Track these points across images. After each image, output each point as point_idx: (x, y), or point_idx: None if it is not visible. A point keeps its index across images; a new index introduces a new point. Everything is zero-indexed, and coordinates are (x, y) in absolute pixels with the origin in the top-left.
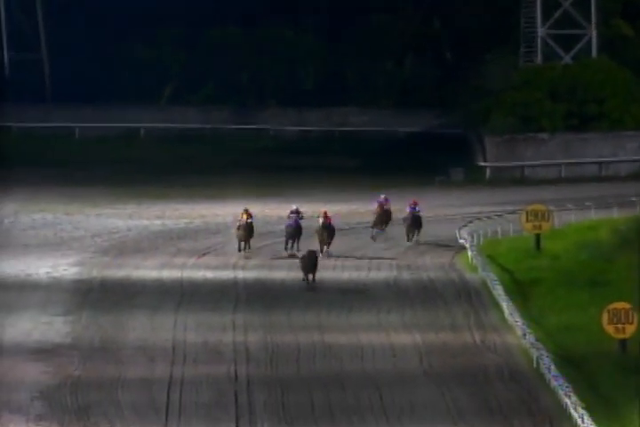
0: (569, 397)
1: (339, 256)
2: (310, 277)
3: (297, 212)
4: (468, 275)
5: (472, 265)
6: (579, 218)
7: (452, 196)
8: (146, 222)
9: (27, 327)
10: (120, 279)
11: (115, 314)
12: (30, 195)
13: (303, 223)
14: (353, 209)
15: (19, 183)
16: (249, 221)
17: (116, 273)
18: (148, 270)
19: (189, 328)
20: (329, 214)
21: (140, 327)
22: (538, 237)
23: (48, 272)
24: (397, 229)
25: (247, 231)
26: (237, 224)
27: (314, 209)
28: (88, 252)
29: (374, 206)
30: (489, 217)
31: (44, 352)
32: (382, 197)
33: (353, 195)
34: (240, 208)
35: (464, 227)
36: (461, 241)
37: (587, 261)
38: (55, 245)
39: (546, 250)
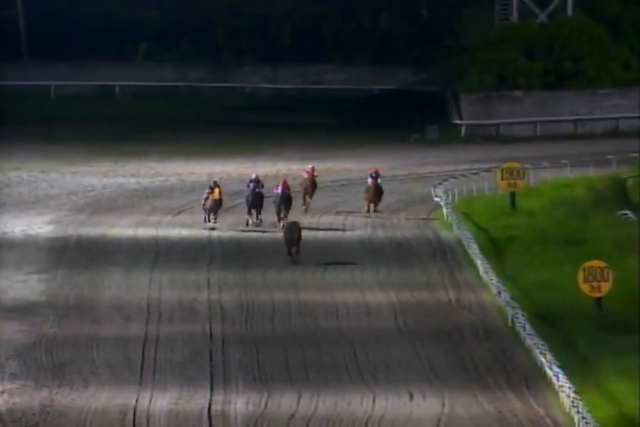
0: (544, 355)
1: (314, 216)
2: (294, 250)
3: (257, 180)
4: (443, 233)
5: (447, 223)
6: (554, 176)
7: (427, 153)
8: (121, 180)
9: (2, 285)
10: (95, 237)
11: (90, 272)
12: (5, 153)
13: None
14: (328, 167)
15: None
16: (219, 197)
17: (91, 231)
18: (123, 228)
19: (164, 286)
20: (288, 183)
21: (116, 286)
22: (513, 194)
23: (23, 230)
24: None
25: (219, 203)
26: (205, 196)
27: (289, 167)
28: (63, 210)
29: (303, 176)
30: (464, 175)
31: (19, 310)
32: (310, 167)
33: (328, 152)
34: (215, 166)
35: (439, 185)
36: (436, 199)
37: (562, 219)
38: (30, 204)
39: (521, 208)
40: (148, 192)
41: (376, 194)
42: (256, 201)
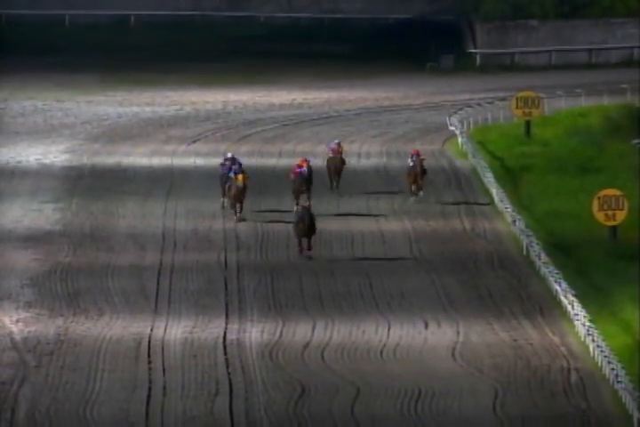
0: (559, 284)
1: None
2: (305, 242)
3: (232, 159)
4: (458, 162)
5: (462, 152)
6: (569, 105)
7: (442, 82)
8: (136, 109)
9: (16, 214)
10: (110, 166)
11: (105, 201)
12: (20, 82)
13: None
14: (342, 96)
15: (8, 71)
16: (245, 178)
17: (106, 160)
18: (138, 157)
19: (179, 215)
20: (307, 160)
21: (130, 214)
22: (528, 123)
23: (38, 159)
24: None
25: (243, 191)
26: (229, 184)
27: (304, 96)
28: (78, 139)
29: (327, 152)
30: (479, 104)
31: (33, 239)
32: (335, 142)
33: (343, 81)
34: (230, 95)
35: (454, 114)
36: (451, 128)
37: (577, 148)
38: (45, 133)
39: (536, 136)
40: (162, 121)
41: (420, 175)
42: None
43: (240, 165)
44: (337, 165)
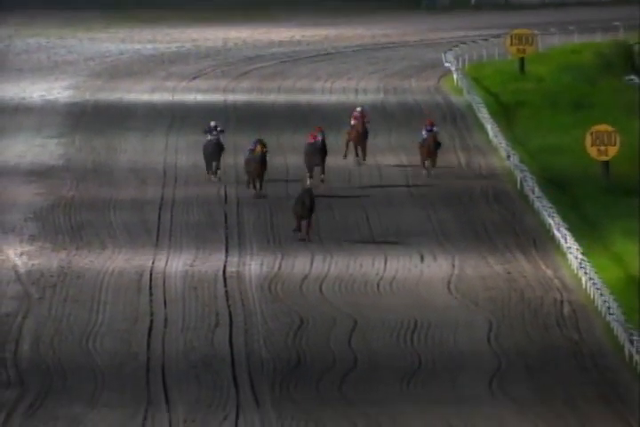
0: (552, 217)
1: (327, 81)
2: (305, 224)
3: (216, 128)
4: (454, 98)
5: (457, 88)
6: (562, 42)
7: (438, 20)
8: (138, 46)
9: (20, 150)
10: (112, 102)
11: (107, 137)
12: (24, 19)
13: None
14: (340, 33)
15: (12, 8)
16: (264, 151)
17: (108, 96)
18: (139, 94)
19: (180, 151)
20: (319, 132)
21: (132, 150)
22: (522, 60)
23: (42, 95)
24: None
25: (261, 165)
26: (247, 158)
27: (302, 33)
28: (81, 75)
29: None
30: (474, 41)
31: (37, 174)
32: (359, 109)
33: (341, 19)
34: (229, 32)
35: (449, 51)
36: (447, 64)
37: (570, 84)
38: (49, 69)
39: (530, 73)
40: (164, 58)
41: (433, 149)
42: (216, 152)
43: (223, 131)
44: (361, 133)
